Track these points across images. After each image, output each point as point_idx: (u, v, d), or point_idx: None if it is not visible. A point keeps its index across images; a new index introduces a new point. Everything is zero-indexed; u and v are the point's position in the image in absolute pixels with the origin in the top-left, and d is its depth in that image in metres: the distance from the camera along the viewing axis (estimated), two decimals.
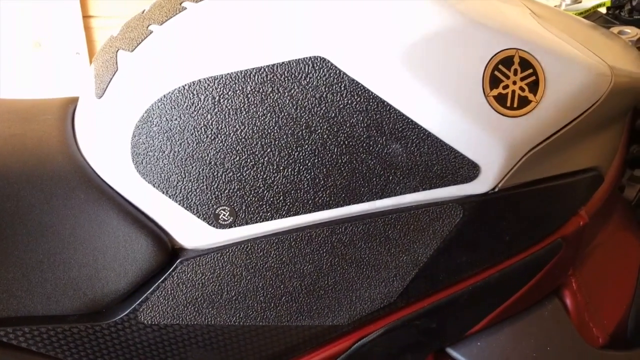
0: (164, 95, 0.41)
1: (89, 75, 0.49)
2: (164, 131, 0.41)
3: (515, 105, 0.42)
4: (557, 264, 0.54)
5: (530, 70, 0.42)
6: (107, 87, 0.43)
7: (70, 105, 0.51)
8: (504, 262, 0.50)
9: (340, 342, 0.48)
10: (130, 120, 0.41)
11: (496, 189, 0.46)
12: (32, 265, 0.41)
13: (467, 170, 0.44)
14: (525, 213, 0.49)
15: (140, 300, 0.43)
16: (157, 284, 0.43)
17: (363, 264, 0.46)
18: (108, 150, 0.43)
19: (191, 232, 0.43)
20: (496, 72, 0.42)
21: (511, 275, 0.51)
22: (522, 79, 0.42)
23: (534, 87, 0.43)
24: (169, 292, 0.43)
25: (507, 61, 0.42)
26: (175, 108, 0.41)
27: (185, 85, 0.40)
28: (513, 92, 0.42)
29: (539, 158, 0.46)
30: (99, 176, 0.44)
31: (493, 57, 0.42)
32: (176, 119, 0.41)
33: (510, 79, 0.42)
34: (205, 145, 0.41)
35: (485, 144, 0.43)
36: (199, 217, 0.43)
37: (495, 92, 0.42)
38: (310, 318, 0.46)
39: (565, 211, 0.53)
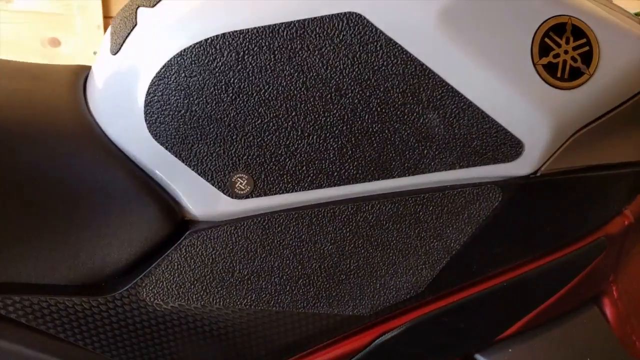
0: (184, 50, 0.37)
1: (106, 36, 0.46)
2: (182, 88, 0.38)
3: (566, 76, 0.39)
4: (599, 266, 0.50)
5: (584, 40, 0.39)
6: (123, 42, 0.40)
7: (83, 71, 0.48)
8: (543, 258, 0.46)
9: (359, 337, 0.44)
10: (146, 76, 0.38)
11: (539, 173, 0.41)
12: (30, 226, 0.37)
13: (510, 147, 0.40)
14: (568, 204, 0.45)
15: (143, 273, 0.39)
16: (162, 256, 0.39)
17: (390, 247, 0.41)
18: (119, 108, 0.40)
19: (204, 201, 0.40)
20: (546, 39, 0.38)
21: (549, 274, 0.47)
22: (574, 49, 0.39)
23: (587, 58, 0.39)
24: (176, 266, 0.39)
25: (558, 28, 0.38)
26: (195, 63, 0.37)
27: (208, 39, 0.37)
28: (564, 61, 0.38)
29: (586, 141, 0.42)
30: (107, 136, 0.40)
31: (544, 22, 0.38)
32: (195, 76, 0.37)
33: (562, 47, 0.38)
34: (225, 105, 0.38)
35: (531, 119, 0.39)
36: (213, 185, 0.39)
37: (544, 60, 0.38)
38: (328, 305, 0.42)
39: (611, 208, 0.48)
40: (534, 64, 0.38)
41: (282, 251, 0.40)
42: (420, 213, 0.41)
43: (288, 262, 0.40)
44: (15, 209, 0.37)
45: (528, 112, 0.39)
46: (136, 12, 0.41)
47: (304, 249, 0.40)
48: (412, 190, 0.41)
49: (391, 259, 0.42)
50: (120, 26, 0.42)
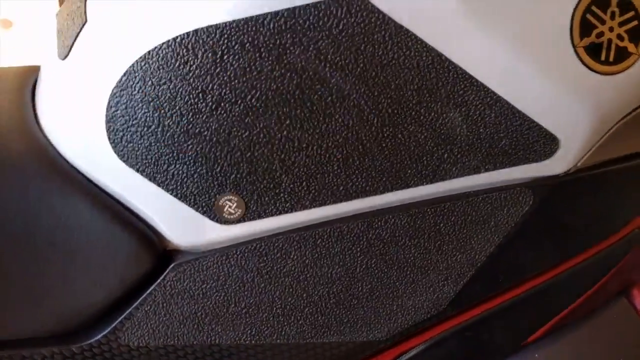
0: (149, 52, 0.30)
1: (54, 30, 0.38)
2: (150, 99, 0.31)
3: (610, 58, 0.32)
4: (629, 258, 0.45)
5: (632, 14, 0.32)
6: (72, 43, 0.33)
7: (30, 75, 0.40)
8: (575, 258, 0.41)
9: None
10: (104, 86, 0.31)
11: (573, 169, 0.36)
12: None
13: (543, 145, 0.34)
14: (602, 199, 0.39)
15: (122, 316, 0.34)
16: (143, 296, 0.34)
17: (407, 265, 0.36)
18: (76, 126, 0.33)
19: (187, 228, 0.34)
20: (588, 15, 0.32)
21: (581, 273, 0.42)
22: (620, 24, 0.32)
23: (635, 35, 0.32)
24: (160, 305, 0.34)
25: (602, 1, 0.32)
26: (163, 68, 0.30)
27: (177, 37, 0.30)
28: (609, 41, 0.32)
29: (627, 129, 0.36)
30: (65, 160, 0.34)
31: None
32: (165, 83, 0.31)
33: (606, 24, 0.32)
34: (205, 116, 0.31)
35: (570, 111, 0.33)
36: (197, 210, 0.33)
37: (586, 41, 0.32)
38: (339, 333, 0.37)
39: None
40: (574, 47, 0.32)
41: (284, 279, 0.35)
42: (441, 225, 0.35)
43: (291, 290, 0.35)
44: None
45: (566, 105, 0.33)
46: (85, 5, 0.33)
47: (308, 275, 0.35)
48: (431, 200, 0.35)
49: (409, 277, 0.36)
50: (67, 23, 0.34)
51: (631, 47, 0.32)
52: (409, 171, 0.34)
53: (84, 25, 0.32)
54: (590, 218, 0.40)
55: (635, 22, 0.32)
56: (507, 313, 0.41)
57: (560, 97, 0.32)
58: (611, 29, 0.32)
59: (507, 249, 0.37)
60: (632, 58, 0.33)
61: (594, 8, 0.32)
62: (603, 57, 0.32)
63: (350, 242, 0.35)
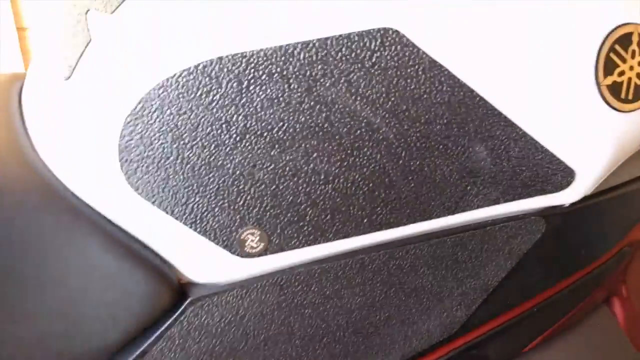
0: (168, 79, 0.28)
1: (41, 43, 0.35)
2: (168, 129, 0.29)
3: (630, 96, 0.33)
4: (616, 273, 0.47)
5: None
6: (76, 64, 0.30)
7: (13, 84, 0.37)
8: (575, 275, 0.43)
9: None
10: (117, 114, 0.29)
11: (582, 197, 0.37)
12: None
13: (561, 177, 0.35)
14: (604, 222, 0.41)
15: (136, 354, 0.32)
16: (159, 332, 0.32)
17: (424, 293, 0.36)
18: (84, 155, 0.30)
19: (206, 263, 0.32)
20: (612, 54, 0.32)
21: (577, 288, 0.44)
22: None
23: None
24: (177, 342, 0.32)
25: (625, 40, 0.32)
26: (184, 97, 0.29)
27: (200, 65, 0.28)
28: (629, 79, 0.33)
29: (628, 161, 0.38)
30: (70, 192, 0.31)
31: (610, 33, 0.32)
32: (186, 113, 0.29)
33: (627, 63, 0.33)
34: (228, 148, 0.29)
35: (590, 147, 0.34)
36: (218, 244, 0.31)
37: (609, 80, 0.32)
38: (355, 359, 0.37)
39: (633, 216, 0.45)
40: (598, 85, 0.32)
41: (304, 311, 0.34)
42: (459, 253, 0.36)
43: (310, 321, 0.35)
44: None
45: (587, 141, 0.33)
46: (86, 19, 0.30)
47: (328, 306, 0.34)
48: (450, 230, 0.35)
49: (425, 304, 0.37)
50: (64, 37, 0.31)
51: None
52: (433, 203, 0.33)
53: (88, 43, 0.30)
54: (591, 239, 0.41)
55: None
56: (509, 329, 0.42)
57: (582, 135, 0.33)
58: (631, 68, 0.33)
59: (517, 273, 0.38)
60: None
61: (617, 47, 0.32)
62: (623, 95, 0.33)
63: (371, 272, 0.34)
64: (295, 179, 0.31)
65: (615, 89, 0.32)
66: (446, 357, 0.40)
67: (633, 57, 0.33)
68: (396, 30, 0.29)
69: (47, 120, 0.32)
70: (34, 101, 0.34)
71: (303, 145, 0.30)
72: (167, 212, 0.30)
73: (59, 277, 0.30)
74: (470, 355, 0.41)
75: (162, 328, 0.32)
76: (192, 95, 0.29)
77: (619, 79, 0.32)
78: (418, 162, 0.32)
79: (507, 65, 0.31)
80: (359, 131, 0.30)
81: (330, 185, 0.31)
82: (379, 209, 0.33)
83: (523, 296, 0.40)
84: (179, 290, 0.33)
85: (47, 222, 0.30)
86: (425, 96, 0.30)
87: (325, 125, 0.30)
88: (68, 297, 0.30)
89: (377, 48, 0.29)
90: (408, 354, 0.38)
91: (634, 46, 0.33)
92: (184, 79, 0.28)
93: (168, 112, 0.29)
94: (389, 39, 0.29)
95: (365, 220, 0.33)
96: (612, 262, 0.45)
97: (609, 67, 0.32)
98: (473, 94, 0.31)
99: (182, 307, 0.32)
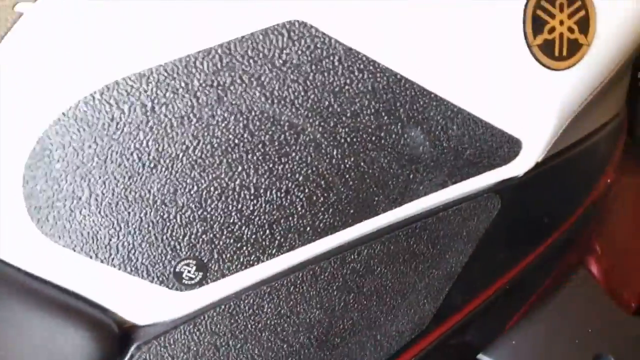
0: (64, 113, 0.25)
1: None
2: (75, 167, 0.26)
3: (564, 53, 0.31)
4: (587, 232, 0.46)
5: (579, 3, 0.31)
6: None
7: None
8: (542, 246, 0.41)
9: None
10: (15, 159, 0.26)
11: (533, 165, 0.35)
12: None
13: (507, 149, 0.33)
14: (561, 186, 0.39)
15: None
16: None
17: (385, 292, 0.34)
18: None
19: (144, 303, 0.30)
20: (539, 12, 0.30)
21: (548, 255, 0.42)
22: (570, 16, 0.31)
23: (584, 24, 0.31)
24: None
25: None
26: (85, 130, 0.26)
27: (96, 92, 0.25)
28: (561, 35, 0.31)
29: (579, 118, 0.36)
30: None
31: None
32: (90, 147, 0.26)
33: (557, 17, 0.31)
34: (143, 177, 0.27)
35: (531, 113, 0.32)
36: (152, 282, 0.29)
37: (540, 39, 0.30)
38: None
39: (596, 172, 0.44)
40: (529, 46, 0.30)
41: (260, 335, 0.32)
42: (415, 245, 0.34)
43: (269, 344, 0.32)
44: None
45: (527, 107, 0.31)
46: None
47: (286, 325, 0.32)
48: (401, 223, 0.33)
49: (389, 304, 0.35)
50: None
51: (582, 39, 0.31)
52: (376, 198, 0.31)
53: None
54: (552, 205, 0.40)
55: (582, 12, 0.31)
56: (485, 311, 0.40)
57: (521, 101, 0.31)
58: (561, 23, 0.31)
59: (480, 254, 0.36)
60: (583, 49, 0.32)
61: (543, 2, 0.30)
62: (557, 53, 0.31)
63: (325, 282, 0.32)
64: (223, 198, 0.28)
65: (547, 47, 0.31)
66: (424, 353, 0.38)
67: (562, 10, 0.31)
68: (303, 22, 0.27)
69: None
70: None
71: (224, 160, 0.28)
72: (91, 257, 0.28)
73: None
74: (449, 345, 0.40)
75: None
76: (94, 127, 0.26)
77: (550, 36, 0.31)
78: (352, 159, 0.30)
79: (429, 40, 0.28)
80: (282, 136, 0.28)
81: (262, 199, 0.29)
82: (320, 214, 0.30)
83: (492, 276, 0.38)
84: (123, 337, 0.30)
85: None
86: (346, 87, 0.28)
87: (245, 135, 0.28)
88: None
89: (285, 44, 0.27)
90: (382, 358, 0.36)
91: None
92: (82, 110, 0.26)
93: (70, 148, 0.26)
94: (297, 32, 0.27)
95: (308, 229, 0.30)
96: (580, 223, 0.43)
97: (538, 25, 0.30)
98: (397, 77, 0.29)
99: (129, 354, 0.30)
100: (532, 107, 0.32)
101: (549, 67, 0.31)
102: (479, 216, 0.35)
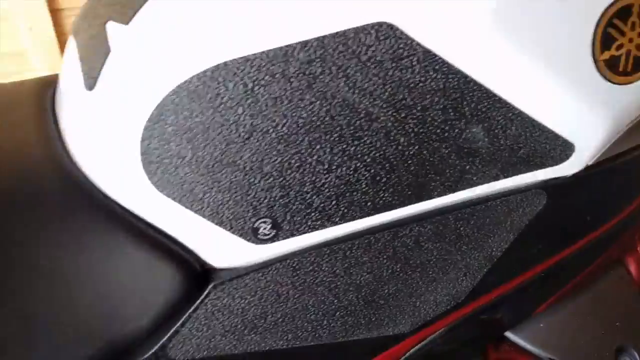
0: (179, 86, 0.30)
1: (70, 52, 0.37)
2: (183, 131, 0.31)
3: (629, 69, 0.33)
4: (630, 232, 0.48)
5: None
6: (98, 75, 0.32)
7: (46, 90, 0.39)
8: (582, 241, 0.44)
9: (396, 349, 0.42)
10: (137, 120, 0.31)
11: (584, 168, 0.38)
12: (31, 315, 0.32)
13: (560, 151, 0.35)
14: (609, 189, 0.42)
15: (169, 334, 0.35)
16: (187, 313, 0.35)
17: (429, 266, 0.38)
18: (111, 159, 0.33)
19: (224, 250, 0.35)
20: (609, 29, 0.32)
21: (586, 252, 0.45)
22: None
23: None
24: (203, 321, 0.36)
25: (624, 13, 0.32)
26: (195, 101, 0.30)
27: (207, 70, 0.30)
28: (628, 52, 0.33)
29: (632, 129, 0.38)
30: (100, 191, 0.34)
31: (608, 7, 0.32)
32: (198, 116, 0.31)
33: (626, 35, 0.33)
34: (238, 146, 0.31)
35: (587, 120, 0.34)
36: (233, 233, 0.34)
37: (607, 54, 0.32)
38: (368, 331, 0.40)
39: None
40: (595, 61, 0.32)
41: (316, 288, 0.37)
42: (462, 228, 0.37)
43: (323, 298, 0.37)
44: (12, 301, 0.32)
45: (585, 115, 0.34)
46: (106, 30, 0.32)
47: (339, 283, 0.37)
48: (452, 207, 0.37)
49: (431, 276, 0.39)
50: (88, 48, 0.33)
51: None
52: (433, 184, 0.35)
53: (107, 55, 0.32)
54: (597, 206, 0.42)
55: None
56: (518, 295, 0.44)
57: (579, 109, 0.34)
58: (630, 40, 0.33)
59: (522, 243, 0.39)
60: None
61: (615, 21, 0.32)
62: (621, 69, 0.33)
63: (378, 251, 0.37)
64: (301, 170, 0.33)
65: (612, 63, 0.33)
66: (456, 322, 0.43)
67: (633, 29, 0.33)
68: (390, 24, 0.30)
69: (77, 127, 0.35)
70: (65, 109, 0.36)
71: (306, 138, 0.32)
72: (186, 207, 0.33)
73: (97, 270, 0.33)
74: (480, 319, 0.44)
75: (190, 310, 0.35)
76: (202, 99, 0.30)
77: (617, 53, 0.33)
78: (417, 147, 0.33)
79: (503, 47, 0.31)
80: (358, 122, 0.32)
81: (333, 174, 0.33)
82: (381, 192, 0.34)
83: (529, 263, 0.42)
84: (203, 276, 0.35)
85: (84, 220, 0.33)
86: (420, 84, 0.31)
87: (326, 118, 0.31)
88: (105, 288, 0.34)
89: (372, 43, 0.30)
90: (417, 322, 0.40)
91: (634, 18, 0.32)
92: (194, 85, 0.30)
93: (181, 115, 0.31)
94: (384, 33, 0.30)
95: (369, 204, 0.35)
96: (623, 224, 0.46)
97: (607, 42, 0.32)
98: (467, 79, 0.32)
99: (207, 290, 0.35)
100: (590, 115, 0.34)
101: (610, 81, 0.33)
102: (524, 209, 0.38)
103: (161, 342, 0.35)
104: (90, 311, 0.33)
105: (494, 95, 0.32)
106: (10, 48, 1.23)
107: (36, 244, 0.32)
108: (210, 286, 0.35)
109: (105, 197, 0.34)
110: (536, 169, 0.36)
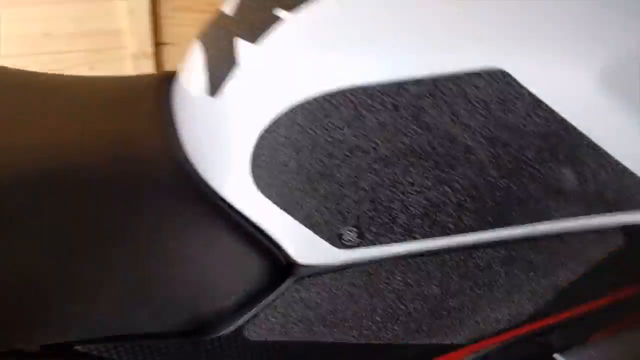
0: (298, 104, 0.32)
1: (195, 58, 0.40)
2: (292, 143, 0.33)
3: None
4: None
5: None
6: (222, 83, 0.35)
7: (165, 86, 0.42)
8: None
9: (451, 356, 0.45)
10: (254, 129, 0.34)
11: None
12: (138, 284, 0.36)
13: None
14: None
15: (248, 317, 0.39)
16: (267, 301, 0.39)
17: (496, 287, 0.40)
18: (223, 158, 0.36)
19: (309, 249, 0.38)
20: None
21: None
22: None
23: None
24: (280, 310, 0.39)
25: None
26: (308, 119, 0.33)
27: (326, 94, 0.32)
28: None
29: None
30: (208, 185, 0.37)
31: None
32: (309, 131, 0.33)
33: None
34: (338, 161, 0.34)
35: None
36: (320, 236, 0.37)
37: None
38: (427, 337, 0.42)
39: None
40: None
41: (386, 294, 0.39)
42: (533, 257, 0.39)
43: (391, 303, 0.40)
44: (125, 270, 0.36)
45: None
46: (234, 46, 0.35)
47: (408, 292, 0.39)
48: (528, 236, 0.38)
49: (496, 296, 0.41)
50: (215, 59, 0.36)
51: None
52: (514, 214, 0.36)
53: (234, 66, 0.34)
54: None
55: None
56: (575, 322, 0.45)
57: None
58: None
59: (590, 277, 0.41)
60: None
61: None
62: None
63: (450, 268, 0.39)
64: (393, 188, 0.35)
65: None
66: (511, 340, 0.45)
67: None
68: (504, 71, 0.31)
69: (194, 127, 0.38)
70: (183, 108, 0.39)
71: (403, 161, 0.34)
72: (282, 209, 0.36)
73: (196, 255, 0.37)
74: (535, 340, 0.46)
75: (270, 298, 0.39)
76: (315, 118, 0.33)
77: None
78: (506, 181, 0.35)
79: (610, 104, 0.32)
80: (455, 152, 0.33)
81: (422, 195, 0.35)
82: (463, 216, 0.36)
83: (592, 296, 0.43)
84: (286, 269, 0.39)
85: (192, 210, 0.37)
86: (523, 127, 0.32)
87: (426, 147, 0.33)
88: (201, 270, 0.37)
89: (483, 85, 0.31)
90: (475, 337, 0.43)
91: None
92: (311, 105, 0.32)
93: (294, 130, 0.33)
94: (495, 77, 0.31)
95: (450, 225, 0.36)
96: None
97: None
98: (569, 126, 0.32)
99: (288, 283, 0.38)
100: None
101: None
102: (599, 246, 0.39)
103: (240, 322, 0.39)
104: (186, 288, 0.37)
105: (593, 144, 0.33)
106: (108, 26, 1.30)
107: (149, 225, 0.36)
108: (291, 279, 0.38)
109: (211, 190, 0.37)
110: (617, 212, 0.37)
